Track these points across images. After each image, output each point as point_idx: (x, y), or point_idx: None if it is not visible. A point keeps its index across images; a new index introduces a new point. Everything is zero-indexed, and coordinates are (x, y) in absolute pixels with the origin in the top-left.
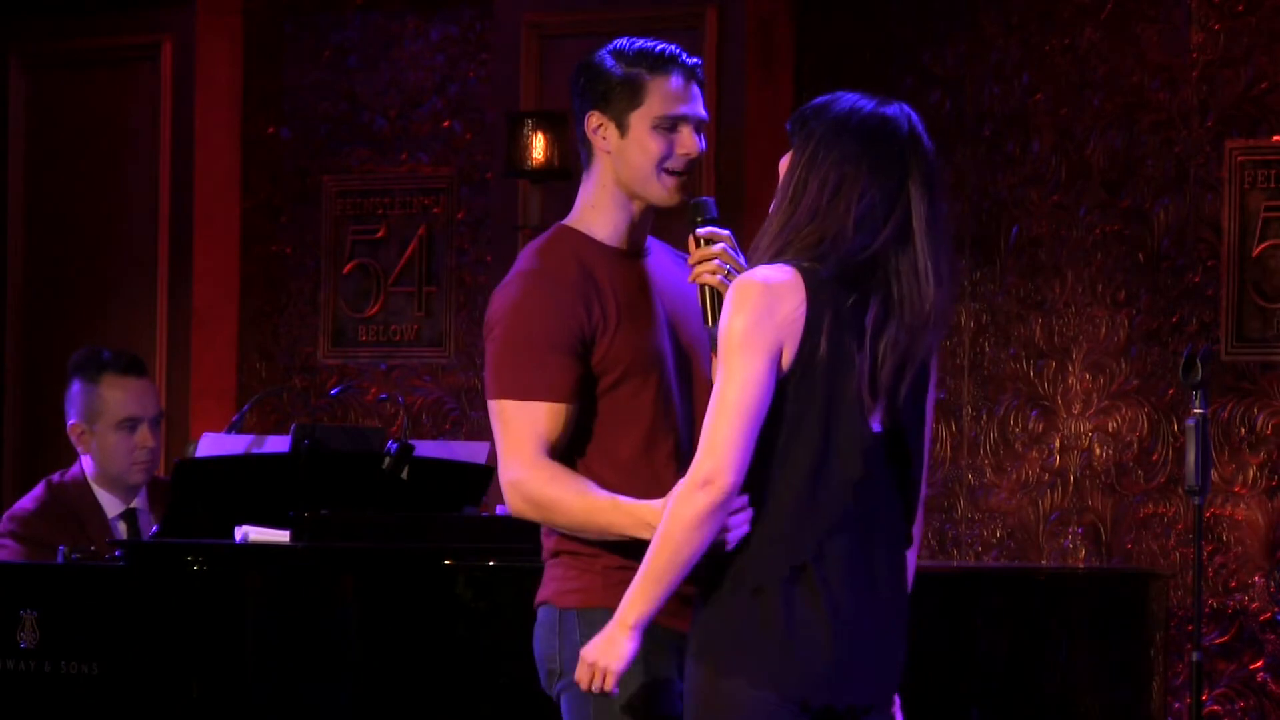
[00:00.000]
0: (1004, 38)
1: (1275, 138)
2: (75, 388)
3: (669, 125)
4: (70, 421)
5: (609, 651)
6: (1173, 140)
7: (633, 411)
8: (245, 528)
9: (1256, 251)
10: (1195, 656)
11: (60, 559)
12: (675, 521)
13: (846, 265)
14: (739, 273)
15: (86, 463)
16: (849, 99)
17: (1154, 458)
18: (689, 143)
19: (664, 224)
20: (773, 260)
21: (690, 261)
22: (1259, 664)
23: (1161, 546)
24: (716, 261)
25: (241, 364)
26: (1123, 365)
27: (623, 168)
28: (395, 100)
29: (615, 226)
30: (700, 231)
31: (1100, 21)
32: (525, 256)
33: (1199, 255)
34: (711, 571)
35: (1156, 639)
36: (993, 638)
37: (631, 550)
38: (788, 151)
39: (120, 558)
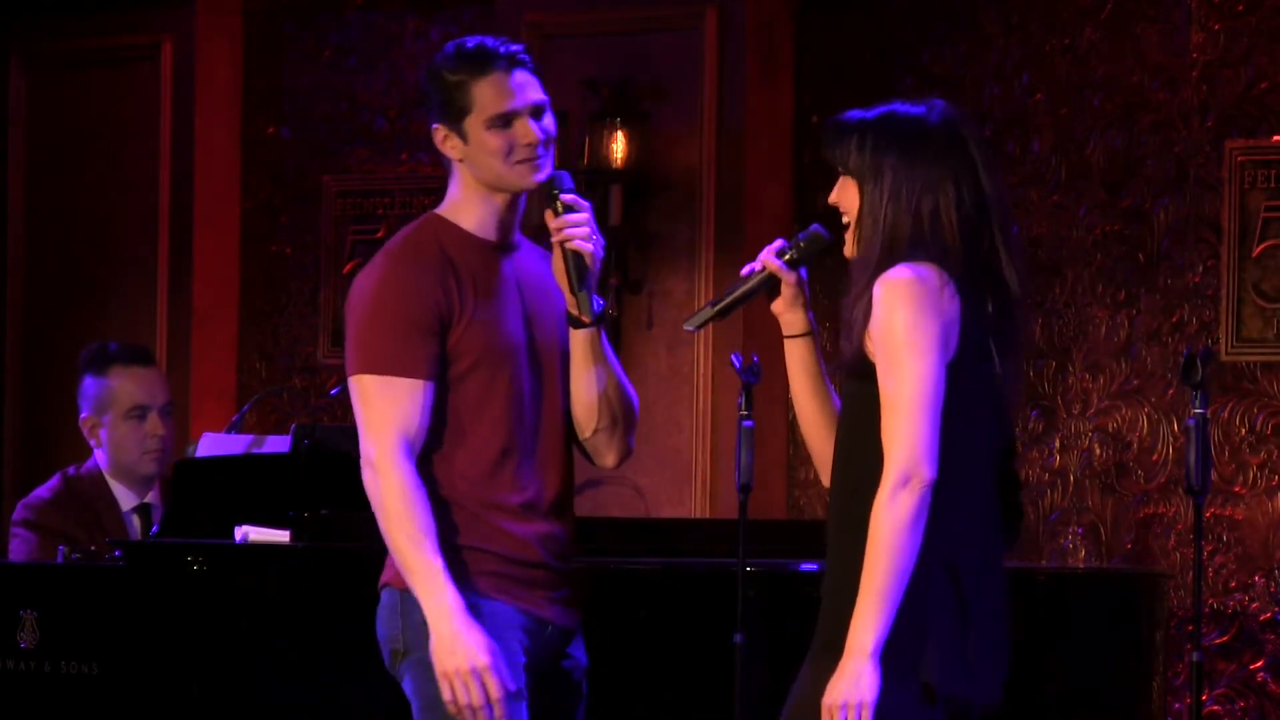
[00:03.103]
0: (1004, 38)
1: (1275, 138)
2: (85, 382)
3: (504, 122)
4: (81, 415)
5: (858, 687)
6: (1173, 140)
7: (484, 402)
8: (245, 528)
9: (1256, 251)
10: (1195, 656)
11: (60, 559)
12: (888, 529)
13: (964, 268)
14: (604, 241)
15: (100, 456)
16: (898, 115)
17: (1154, 458)
18: (528, 133)
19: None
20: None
21: (553, 227)
22: (1259, 664)
23: (1161, 546)
24: (585, 228)
25: (241, 364)
26: (1123, 365)
27: (475, 169)
28: (395, 100)
29: (481, 219)
30: (564, 198)
31: (1100, 21)
32: (392, 240)
33: (1199, 255)
34: (844, 564)
35: (1156, 639)
36: None
37: (471, 533)
38: (838, 178)
39: (120, 558)
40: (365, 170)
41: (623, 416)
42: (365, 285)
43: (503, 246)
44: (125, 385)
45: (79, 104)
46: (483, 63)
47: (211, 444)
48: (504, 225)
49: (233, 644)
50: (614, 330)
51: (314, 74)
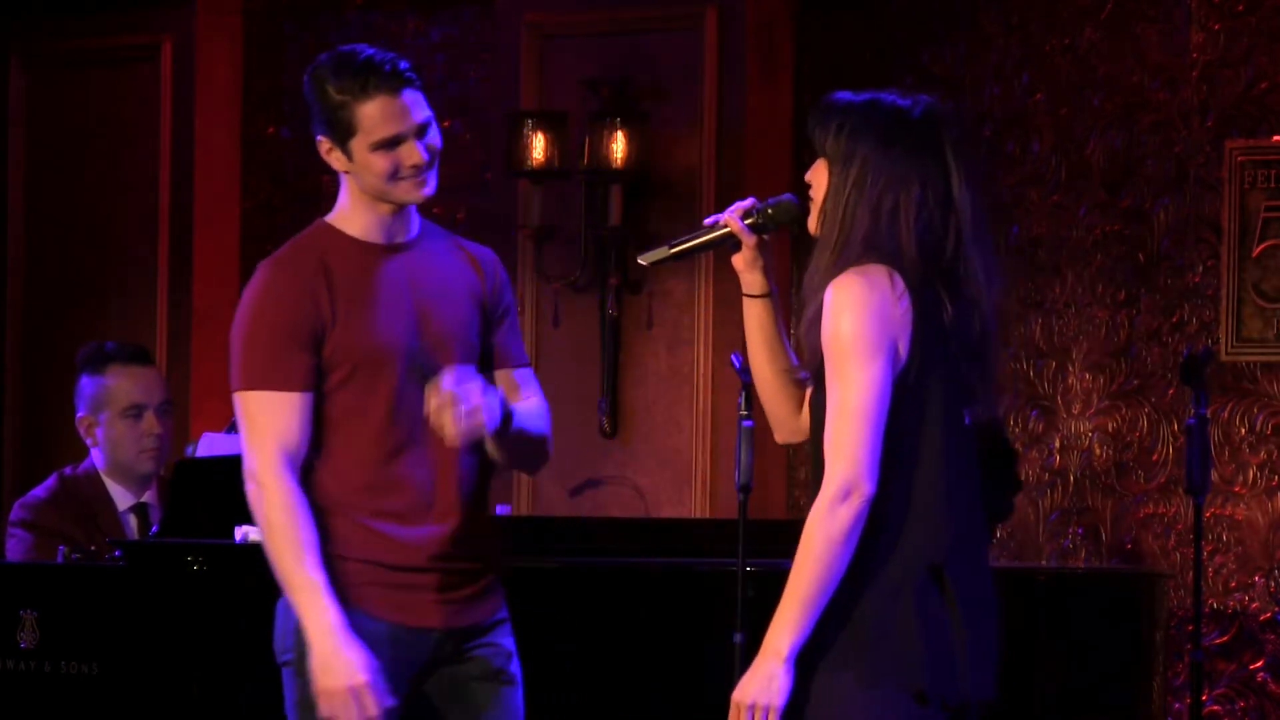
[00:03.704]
0: (1004, 38)
1: (1275, 138)
2: (82, 381)
3: (389, 144)
4: (78, 415)
5: (768, 688)
6: (1173, 140)
7: (365, 408)
8: (245, 528)
9: (1256, 251)
10: (1195, 656)
11: (60, 559)
12: (822, 540)
13: (920, 273)
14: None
15: (96, 456)
16: (881, 105)
17: (1154, 458)
18: (412, 155)
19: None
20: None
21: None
22: (1259, 664)
23: (1161, 546)
24: (454, 412)
25: None
26: (1123, 365)
27: (361, 182)
28: None
29: (366, 225)
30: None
31: (1100, 21)
32: (276, 251)
33: (1199, 255)
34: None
35: (1156, 639)
36: None
37: (349, 542)
38: (816, 159)
39: (120, 558)
40: None
41: (525, 461)
42: (243, 300)
43: (393, 248)
44: (122, 384)
45: (79, 104)
46: (367, 84)
47: (211, 444)
48: (393, 228)
49: (233, 644)
50: (614, 330)
51: None
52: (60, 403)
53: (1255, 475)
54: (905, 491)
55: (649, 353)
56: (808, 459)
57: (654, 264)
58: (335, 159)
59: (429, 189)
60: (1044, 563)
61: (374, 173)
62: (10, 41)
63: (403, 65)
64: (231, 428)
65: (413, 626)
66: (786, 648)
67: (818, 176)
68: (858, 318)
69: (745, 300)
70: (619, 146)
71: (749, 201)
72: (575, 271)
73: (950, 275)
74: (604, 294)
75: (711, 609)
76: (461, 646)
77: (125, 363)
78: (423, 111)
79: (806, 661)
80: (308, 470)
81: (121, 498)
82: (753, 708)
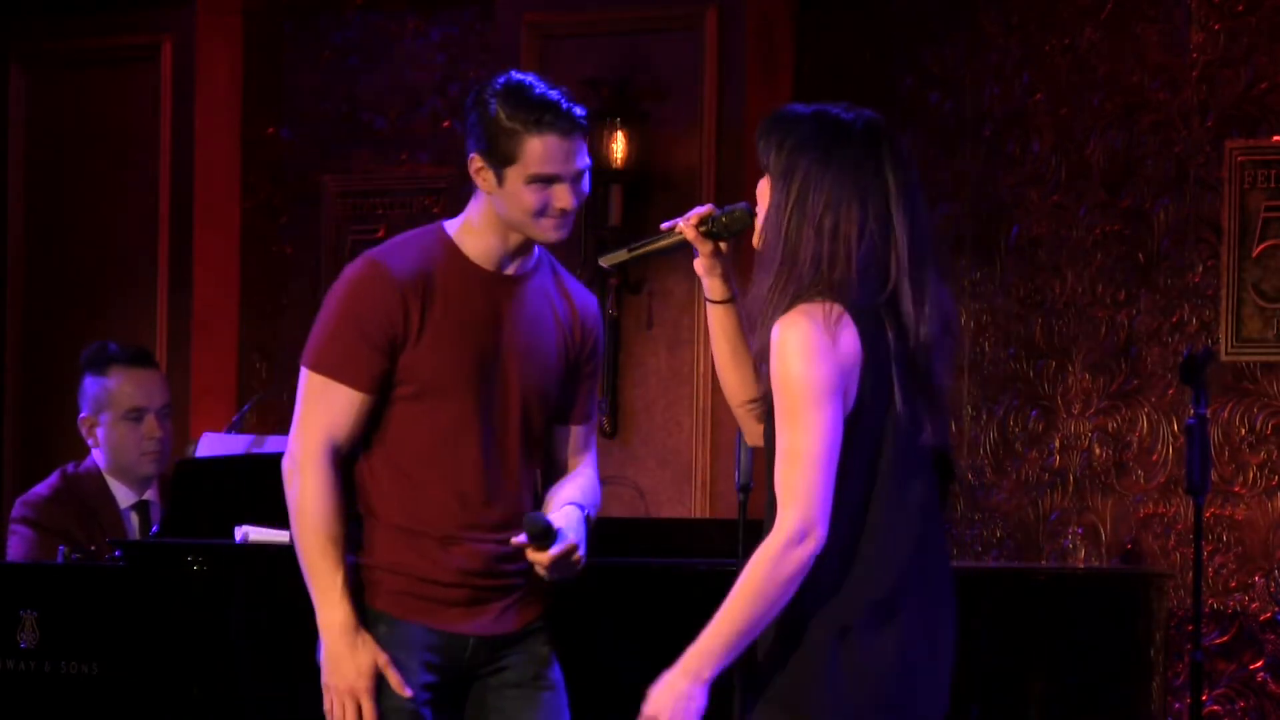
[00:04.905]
0: (1004, 38)
1: (1275, 138)
2: (85, 381)
3: (545, 181)
4: (80, 414)
5: (685, 708)
6: (1173, 140)
7: (423, 426)
8: (245, 528)
9: (1256, 251)
10: (1195, 656)
11: (60, 559)
12: (771, 580)
13: (864, 302)
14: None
15: (98, 455)
16: (824, 118)
17: (1154, 458)
18: (564, 199)
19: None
20: (789, 308)
21: (532, 558)
22: (1259, 664)
23: (1161, 546)
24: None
25: (241, 364)
26: (1123, 365)
27: (501, 209)
28: (395, 100)
29: (487, 248)
30: (554, 549)
31: (1100, 21)
32: (388, 241)
33: (1199, 255)
34: (782, 615)
35: (1156, 639)
36: (993, 638)
37: (389, 551)
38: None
39: (120, 558)
40: (365, 170)
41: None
42: (340, 281)
43: (503, 279)
44: (124, 386)
45: (79, 104)
46: (543, 119)
47: (211, 444)
48: (508, 258)
49: (233, 644)
50: (614, 330)
51: (314, 74)
52: (60, 402)
53: (1255, 475)
54: (852, 529)
55: (649, 353)
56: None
57: (612, 265)
58: (484, 179)
59: (565, 233)
60: (1044, 563)
61: (521, 205)
62: (10, 41)
63: (579, 111)
64: (232, 427)
65: (447, 631)
66: (709, 672)
67: (762, 191)
68: (807, 362)
69: (708, 306)
70: (619, 146)
71: (707, 208)
72: (575, 271)
73: (894, 303)
74: (604, 294)
75: (711, 609)
76: (497, 654)
77: (128, 365)
78: (585, 159)
79: (769, 702)
80: (356, 472)
81: (124, 495)
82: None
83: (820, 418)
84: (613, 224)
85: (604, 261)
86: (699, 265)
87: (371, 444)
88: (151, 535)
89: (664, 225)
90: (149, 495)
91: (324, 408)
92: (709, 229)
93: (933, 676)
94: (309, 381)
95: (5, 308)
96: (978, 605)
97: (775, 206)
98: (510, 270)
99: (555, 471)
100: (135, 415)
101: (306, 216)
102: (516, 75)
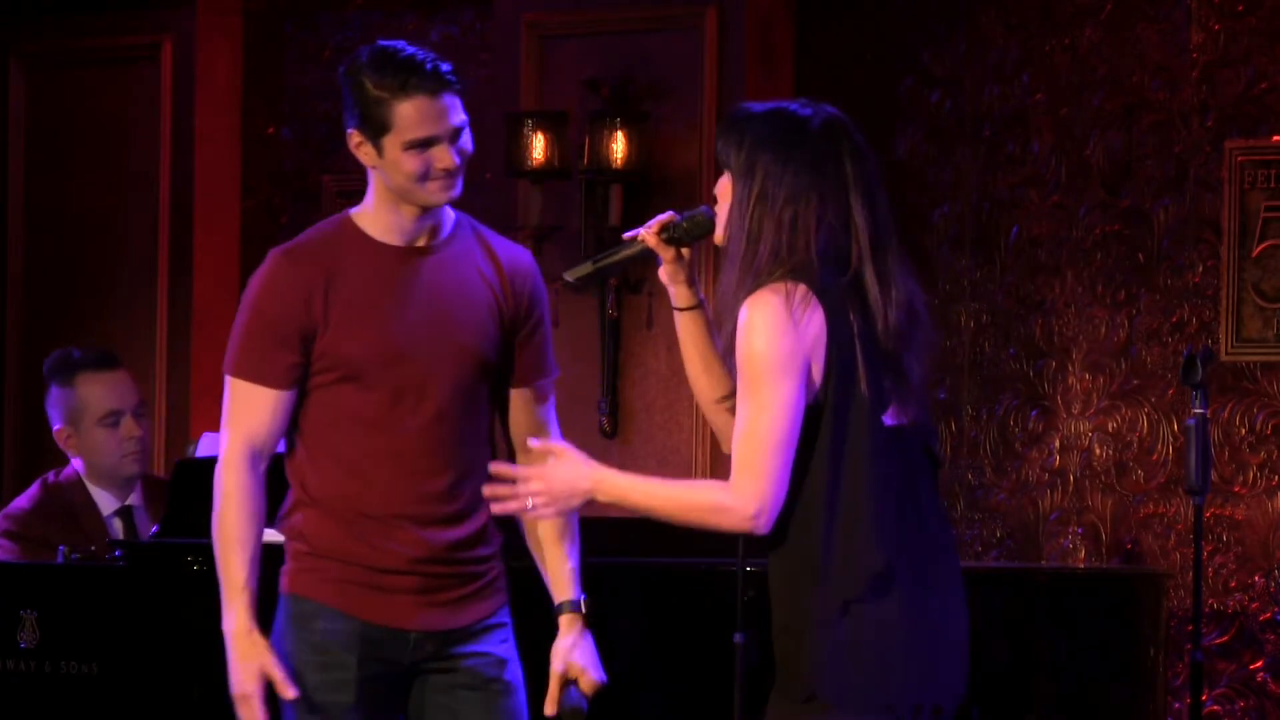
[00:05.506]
0: (1004, 38)
1: (1275, 138)
2: (53, 393)
3: (422, 145)
4: (55, 427)
5: (565, 497)
6: (1173, 140)
7: (354, 407)
8: None
9: (1256, 251)
10: (1195, 656)
11: (60, 559)
12: (699, 517)
13: (827, 282)
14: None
15: (78, 463)
16: (781, 116)
17: (1154, 458)
18: (445, 159)
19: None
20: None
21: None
22: (1259, 664)
23: (1161, 546)
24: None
25: None
26: (1123, 365)
27: (388, 181)
28: None
29: (389, 225)
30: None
31: (1100, 21)
32: (294, 239)
33: (1199, 255)
34: (783, 604)
35: (1156, 639)
36: (993, 638)
37: (332, 539)
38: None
39: (120, 558)
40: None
41: None
42: (249, 286)
43: (411, 251)
44: (94, 391)
45: (79, 104)
46: (408, 82)
47: (211, 444)
48: (415, 230)
49: None
50: (614, 330)
51: (314, 74)
52: None
53: (1255, 475)
54: (834, 508)
55: (649, 353)
56: None
57: (578, 279)
58: (364, 153)
59: (455, 192)
60: (1044, 563)
61: (403, 172)
62: (10, 41)
63: (444, 67)
64: None
65: (386, 626)
66: (604, 500)
67: (723, 189)
68: (770, 338)
69: (675, 314)
70: (619, 146)
71: (668, 215)
72: None
73: (858, 286)
74: (604, 294)
75: (711, 609)
76: (447, 652)
77: (96, 369)
78: (459, 115)
79: (782, 694)
80: (296, 464)
81: (106, 502)
82: (549, 493)
83: (780, 393)
84: (613, 224)
85: (569, 276)
86: (663, 273)
87: (305, 433)
88: (151, 535)
89: (626, 235)
90: (132, 500)
91: (244, 411)
92: (671, 235)
93: (948, 649)
94: (229, 387)
95: (5, 307)
96: (978, 605)
97: (737, 202)
98: (421, 242)
99: (519, 432)
100: (111, 420)
101: (306, 216)
102: (381, 43)
